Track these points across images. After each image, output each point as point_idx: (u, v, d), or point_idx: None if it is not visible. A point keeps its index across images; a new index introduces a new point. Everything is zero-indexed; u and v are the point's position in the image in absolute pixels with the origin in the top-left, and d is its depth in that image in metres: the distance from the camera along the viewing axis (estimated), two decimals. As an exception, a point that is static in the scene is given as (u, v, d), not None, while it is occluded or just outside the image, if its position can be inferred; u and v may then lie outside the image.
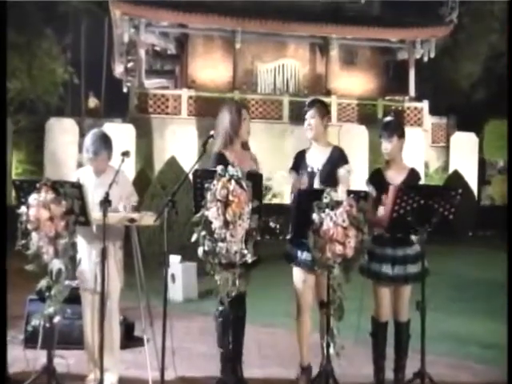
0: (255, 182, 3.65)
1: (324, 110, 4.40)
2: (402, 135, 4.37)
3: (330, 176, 4.22)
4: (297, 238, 4.03)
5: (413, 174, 4.37)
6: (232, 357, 4.10)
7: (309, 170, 4.28)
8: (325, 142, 4.38)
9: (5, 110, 4.15)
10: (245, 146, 4.37)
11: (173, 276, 7.77)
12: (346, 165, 4.30)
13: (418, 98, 23.06)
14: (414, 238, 4.24)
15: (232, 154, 4.21)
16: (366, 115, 21.66)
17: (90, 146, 4.38)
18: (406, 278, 4.23)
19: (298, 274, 4.22)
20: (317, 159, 4.30)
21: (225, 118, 4.25)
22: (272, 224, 15.82)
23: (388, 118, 4.54)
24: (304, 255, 4.08)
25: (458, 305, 7.51)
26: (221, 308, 3.86)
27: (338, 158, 4.31)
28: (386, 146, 4.33)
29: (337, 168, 4.27)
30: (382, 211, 4.05)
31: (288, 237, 4.25)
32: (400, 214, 3.87)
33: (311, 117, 4.31)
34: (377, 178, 4.36)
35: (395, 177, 4.29)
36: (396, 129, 4.38)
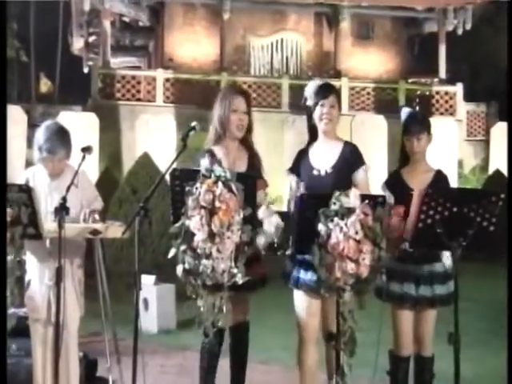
0: (248, 184, 3.66)
1: (339, 96, 4.44)
2: (430, 131, 4.43)
3: (342, 180, 4.15)
4: (299, 254, 4.05)
5: (440, 177, 4.40)
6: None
7: (314, 172, 4.25)
8: (334, 135, 4.37)
9: (5, 107, 4.21)
10: (244, 141, 4.38)
11: (145, 301, 7.76)
12: (364, 166, 4.27)
13: (450, 81, 23.15)
14: (444, 254, 4.27)
15: (222, 151, 4.23)
16: (384, 102, 21.72)
17: (43, 143, 4.37)
18: (432, 301, 4.27)
19: (300, 298, 4.22)
20: (324, 159, 4.27)
21: (215, 108, 4.29)
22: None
23: (411, 110, 4.56)
24: (308, 275, 4.09)
25: (499, 339, 7.52)
26: (207, 340, 3.88)
27: (353, 157, 4.28)
28: (416, 144, 4.36)
29: (351, 170, 4.24)
30: (396, 222, 4.06)
31: (288, 252, 4.28)
32: (427, 225, 3.88)
33: (331, 105, 4.28)
34: (395, 181, 4.39)
35: (418, 180, 4.32)
36: (426, 123, 4.43)
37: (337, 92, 4.41)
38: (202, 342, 4.13)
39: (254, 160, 4.35)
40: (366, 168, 4.29)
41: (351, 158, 4.28)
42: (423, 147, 4.40)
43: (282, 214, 4.19)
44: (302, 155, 4.37)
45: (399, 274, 4.25)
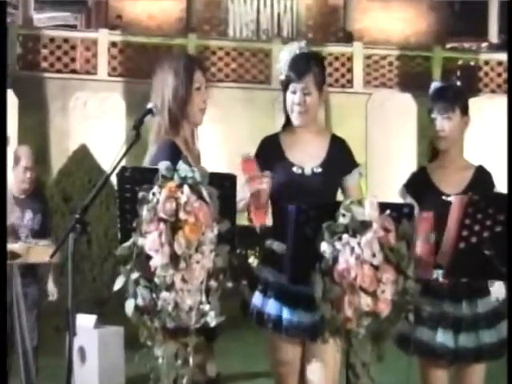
0: (225, 188, 3.67)
1: (322, 75, 4.41)
2: (466, 111, 4.43)
3: (333, 183, 4.32)
4: (294, 284, 4.07)
5: (481, 177, 4.43)
6: None
7: (295, 170, 4.31)
8: (317, 126, 4.44)
9: (5, 107, 4.26)
10: (194, 134, 4.38)
11: (82, 350, 7.75)
12: (358, 167, 4.40)
13: (504, 46, 23.23)
14: (494, 285, 4.29)
15: (184, 145, 4.24)
16: (413, 76, 21.80)
17: None
18: (478, 354, 4.26)
19: (281, 346, 4.28)
20: (307, 153, 4.34)
21: (165, 84, 4.26)
22: (253, 260, 15.85)
23: (442, 83, 4.58)
24: (296, 316, 4.14)
25: None
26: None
27: (344, 156, 4.39)
28: (443, 124, 4.37)
29: (343, 173, 4.35)
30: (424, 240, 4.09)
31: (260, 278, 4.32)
32: (471, 245, 3.90)
33: (305, 92, 4.30)
34: (421, 183, 4.41)
35: (451, 181, 4.35)
36: (458, 98, 4.43)
37: (318, 68, 4.38)
38: None
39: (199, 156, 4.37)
40: (360, 171, 4.40)
41: (343, 158, 4.38)
42: (454, 131, 4.39)
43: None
44: (270, 145, 4.41)
45: (431, 316, 4.25)
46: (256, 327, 4.30)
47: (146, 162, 4.10)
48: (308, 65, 4.35)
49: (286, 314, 4.18)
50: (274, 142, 4.41)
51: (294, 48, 4.40)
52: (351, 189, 4.33)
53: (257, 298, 4.30)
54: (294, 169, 4.30)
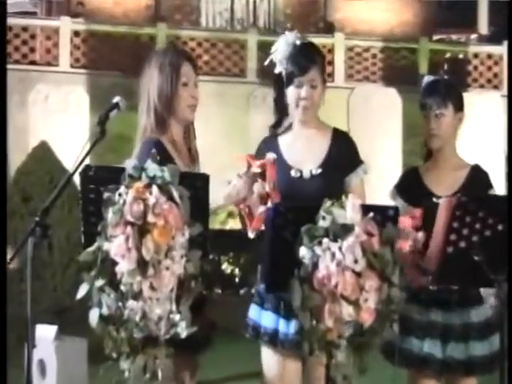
0: (196, 190, 3.66)
1: (324, 67, 4.45)
2: (460, 106, 4.44)
3: (334, 185, 4.26)
4: (270, 292, 4.06)
5: (477, 177, 4.44)
6: None
7: (293, 174, 4.30)
8: (316, 121, 4.44)
9: (5, 106, 4.27)
10: (187, 131, 4.39)
11: (42, 364, 7.71)
12: (362, 165, 4.38)
13: (495, 38, 23.33)
14: (487, 293, 4.30)
15: (171, 144, 4.24)
16: (398, 69, 21.85)
17: None
18: (468, 367, 4.28)
19: (272, 359, 4.26)
20: (306, 154, 4.34)
21: (151, 81, 4.26)
22: (227, 267, 15.79)
23: (434, 77, 4.59)
24: (292, 327, 4.12)
25: None
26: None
27: (347, 152, 4.38)
28: (435, 123, 4.38)
29: (344, 172, 4.33)
30: (419, 241, 4.10)
31: (254, 290, 4.29)
32: (460, 250, 3.91)
33: (311, 84, 4.32)
34: (412, 184, 4.41)
35: (444, 182, 4.35)
36: (450, 93, 4.44)
37: (321, 59, 4.42)
38: None
39: (193, 156, 4.38)
40: (364, 169, 4.38)
41: (345, 154, 4.37)
42: (447, 129, 4.41)
43: (246, 236, 4.18)
44: (268, 147, 4.38)
45: (418, 326, 4.26)
46: (252, 339, 4.29)
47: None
48: (313, 56, 4.37)
49: (282, 326, 4.17)
50: (272, 143, 4.40)
51: (292, 38, 4.38)
52: (353, 190, 4.24)
53: (253, 310, 4.29)
54: (292, 172, 4.29)
